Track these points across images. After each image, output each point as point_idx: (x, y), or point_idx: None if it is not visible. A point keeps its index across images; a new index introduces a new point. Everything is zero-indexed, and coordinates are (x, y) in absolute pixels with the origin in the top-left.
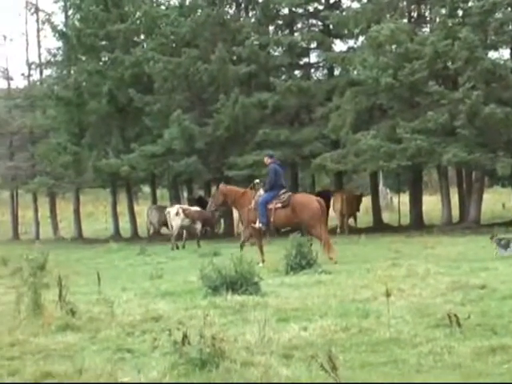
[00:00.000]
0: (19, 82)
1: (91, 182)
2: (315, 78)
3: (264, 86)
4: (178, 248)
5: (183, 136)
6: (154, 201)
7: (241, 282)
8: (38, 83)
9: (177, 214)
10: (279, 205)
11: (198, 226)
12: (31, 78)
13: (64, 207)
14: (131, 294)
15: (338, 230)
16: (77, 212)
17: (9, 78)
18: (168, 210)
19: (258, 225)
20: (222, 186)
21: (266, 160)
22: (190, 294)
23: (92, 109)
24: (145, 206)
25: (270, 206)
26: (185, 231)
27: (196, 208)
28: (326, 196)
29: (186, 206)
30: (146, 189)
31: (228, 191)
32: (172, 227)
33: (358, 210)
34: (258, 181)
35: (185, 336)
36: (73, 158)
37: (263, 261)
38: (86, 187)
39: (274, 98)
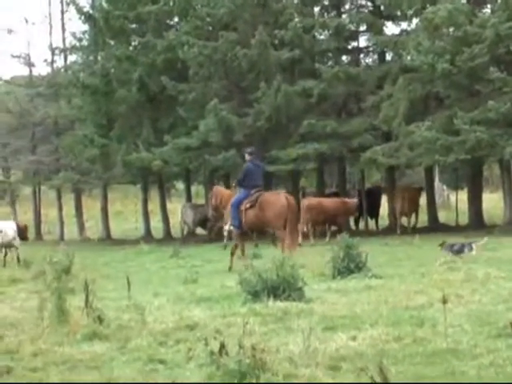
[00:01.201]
0: (42, 69)
1: (120, 178)
2: (365, 63)
3: (309, 72)
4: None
5: (220, 127)
6: (189, 198)
7: (283, 287)
8: (63, 70)
9: (190, 208)
10: (248, 205)
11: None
12: (55, 65)
13: (90, 205)
14: (163, 299)
15: (398, 230)
16: (104, 210)
17: (31, 65)
18: (181, 207)
19: (228, 227)
20: (214, 187)
21: (246, 157)
22: (228, 299)
23: (121, 98)
24: (178, 204)
25: (242, 207)
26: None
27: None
28: (376, 193)
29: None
30: (180, 185)
31: (217, 192)
32: (185, 223)
33: (419, 206)
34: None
35: (222, 346)
36: (100, 151)
37: (247, 264)
38: (115, 183)
39: (319, 85)
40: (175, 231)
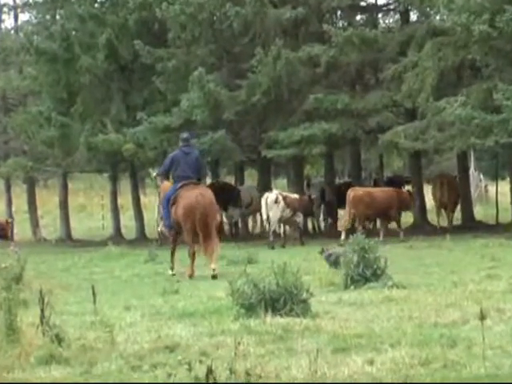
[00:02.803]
0: None
1: (83, 165)
2: (384, 25)
3: (315, 36)
4: (273, 248)
5: (207, 103)
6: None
7: (284, 299)
8: (12, 32)
9: (276, 201)
10: (172, 201)
11: (300, 217)
12: (2, 25)
13: (47, 198)
14: (137, 314)
15: (438, 226)
16: (64, 205)
17: None
18: (265, 195)
19: (160, 228)
20: (160, 179)
21: (180, 142)
22: (217, 314)
23: (85, 66)
24: (155, 198)
25: (170, 204)
26: (283, 225)
27: (295, 195)
28: (398, 184)
29: (285, 193)
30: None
31: (165, 188)
32: (268, 219)
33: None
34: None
35: (209, 371)
36: (59, 132)
37: (174, 269)
38: (77, 171)
39: (328, 52)
40: (151, 230)
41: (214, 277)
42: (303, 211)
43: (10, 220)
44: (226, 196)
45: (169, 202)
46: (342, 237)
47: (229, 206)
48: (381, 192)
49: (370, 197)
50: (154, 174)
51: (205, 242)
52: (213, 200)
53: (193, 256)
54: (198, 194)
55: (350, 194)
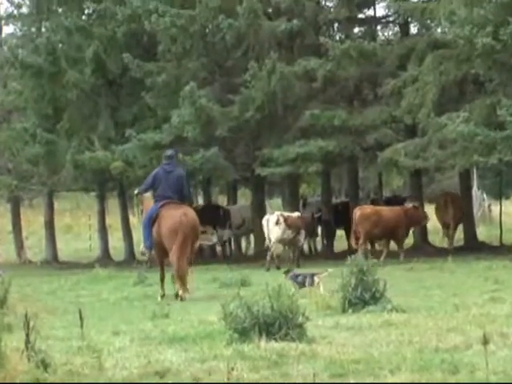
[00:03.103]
0: None
1: (70, 184)
2: (383, 38)
3: (312, 49)
4: (279, 268)
5: (198, 119)
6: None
7: (279, 324)
8: None
9: (277, 222)
10: (153, 220)
11: (302, 236)
12: None
13: (32, 218)
14: (126, 339)
15: (447, 243)
16: (50, 225)
17: None
18: (266, 217)
19: (141, 249)
20: (145, 198)
21: (163, 160)
22: (209, 339)
23: (71, 81)
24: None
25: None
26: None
27: (297, 213)
28: (397, 204)
29: (286, 213)
30: (147, 194)
31: (148, 206)
32: (269, 240)
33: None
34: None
35: None
36: (45, 149)
37: (162, 295)
38: (63, 190)
39: (325, 66)
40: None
41: (179, 298)
42: (306, 230)
43: None
44: (214, 217)
45: (150, 221)
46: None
47: (217, 227)
48: (389, 211)
49: (378, 215)
50: (136, 191)
51: (180, 262)
52: (196, 221)
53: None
54: (182, 214)
55: (357, 212)
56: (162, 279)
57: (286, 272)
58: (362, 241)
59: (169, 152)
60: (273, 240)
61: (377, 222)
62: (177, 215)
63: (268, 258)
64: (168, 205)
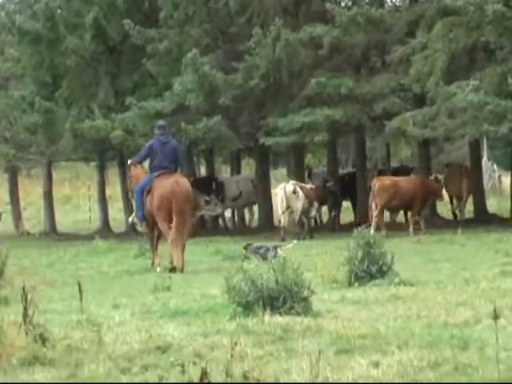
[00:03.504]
0: None
1: (69, 153)
2: (391, 4)
3: (318, 15)
4: (283, 240)
5: (201, 87)
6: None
7: (284, 298)
8: None
9: (294, 192)
10: (147, 191)
11: (315, 208)
12: None
13: (30, 189)
14: (127, 313)
15: (459, 216)
16: (48, 196)
17: None
18: (280, 186)
19: (131, 219)
20: (133, 168)
21: (155, 131)
22: (211, 313)
23: (70, 48)
24: None
25: (144, 194)
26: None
27: (309, 185)
28: (404, 175)
29: (300, 183)
30: (147, 163)
31: (136, 175)
32: (284, 212)
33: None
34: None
35: (204, 373)
36: (43, 117)
37: (156, 264)
38: (62, 160)
39: (331, 32)
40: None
41: (172, 270)
42: (318, 201)
43: (1, 211)
44: (206, 189)
45: (143, 192)
46: (372, 230)
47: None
48: (406, 182)
49: (396, 187)
50: (129, 162)
51: (177, 230)
52: (188, 188)
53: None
54: (174, 183)
55: (376, 183)
56: (155, 250)
57: (247, 246)
58: (378, 212)
59: (161, 122)
60: (296, 209)
61: (395, 193)
62: (168, 184)
63: (297, 229)
64: (162, 175)
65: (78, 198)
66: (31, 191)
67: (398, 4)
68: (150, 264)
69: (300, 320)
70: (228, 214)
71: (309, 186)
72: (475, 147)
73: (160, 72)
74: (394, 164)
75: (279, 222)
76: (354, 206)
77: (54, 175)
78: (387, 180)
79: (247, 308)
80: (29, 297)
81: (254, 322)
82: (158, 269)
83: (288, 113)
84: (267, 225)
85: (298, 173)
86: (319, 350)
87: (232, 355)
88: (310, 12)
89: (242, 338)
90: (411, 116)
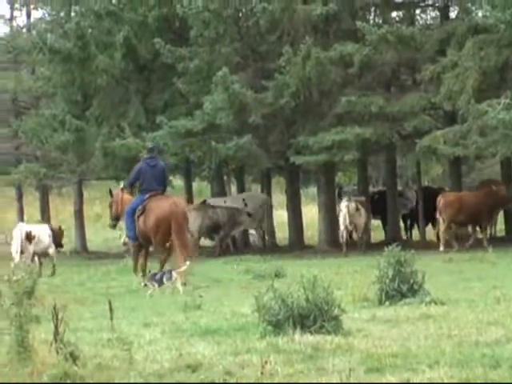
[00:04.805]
0: None
1: (99, 172)
2: (422, 22)
3: (348, 34)
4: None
5: (231, 105)
6: (190, 198)
7: (314, 316)
8: (25, 30)
9: (357, 209)
10: (139, 212)
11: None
12: (14, 23)
13: (61, 207)
14: (157, 331)
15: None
16: (79, 214)
17: None
18: (344, 204)
19: (124, 239)
20: (115, 192)
21: (145, 154)
22: (242, 332)
23: (101, 66)
24: None
25: (135, 216)
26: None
27: (362, 197)
28: (434, 194)
29: (359, 198)
30: (178, 181)
31: (119, 199)
32: (347, 228)
33: None
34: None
35: None
36: (74, 136)
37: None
38: (93, 179)
39: (362, 51)
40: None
41: (183, 285)
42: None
43: (62, 228)
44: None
45: (134, 213)
46: (442, 248)
47: None
48: (473, 196)
49: (461, 202)
50: (121, 185)
51: (183, 247)
52: (185, 208)
53: (162, 266)
54: (172, 204)
55: (441, 199)
56: (144, 270)
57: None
58: (445, 228)
59: (150, 145)
60: (358, 225)
61: (460, 208)
62: (166, 205)
63: (343, 241)
64: (155, 196)
65: (109, 216)
66: (62, 210)
67: (428, 22)
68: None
69: (330, 339)
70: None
71: (362, 199)
72: (507, 165)
73: (190, 90)
74: (426, 183)
75: (341, 237)
76: (384, 224)
77: (85, 194)
78: (451, 195)
79: (277, 327)
80: (60, 315)
81: (285, 341)
82: (142, 283)
83: (318, 131)
84: (297, 243)
85: (329, 191)
86: (349, 369)
87: (262, 373)
88: (340, 30)
89: (272, 356)
90: (442, 134)
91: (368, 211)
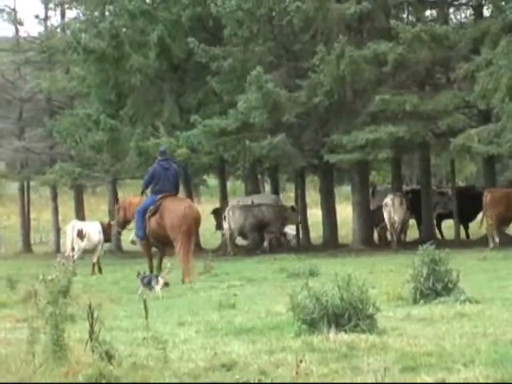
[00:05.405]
0: (32, 29)
1: (134, 171)
2: (455, 21)
3: (382, 32)
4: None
5: (265, 104)
6: (224, 197)
7: (349, 315)
8: (59, 29)
9: (401, 203)
10: (152, 212)
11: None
12: (49, 23)
13: (95, 206)
14: (192, 330)
15: None
16: (113, 214)
17: (17, 23)
18: (390, 197)
19: (132, 237)
20: (121, 200)
21: (158, 156)
22: (276, 330)
23: (135, 66)
24: (210, 206)
25: (146, 215)
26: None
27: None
28: (473, 195)
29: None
30: (212, 180)
31: (126, 204)
32: (391, 223)
33: None
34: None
35: None
36: (108, 136)
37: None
38: (127, 178)
39: (395, 49)
40: (206, 241)
41: (183, 282)
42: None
43: (111, 222)
44: None
45: (145, 212)
46: (491, 244)
47: None
48: None
49: (508, 198)
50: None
51: (186, 253)
52: (199, 213)
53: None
54: (187, 207)
55: (488, 195)
56: (151, 269)
57: (138, 274)
58: (494, 224)
59: (162, 148)
60: (397, 220)
61: (508, 204)
62: (181, 208)
63: (394, 238)
64: (169, 197)
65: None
66: (96, 209)
67: (462, 21)
68: (215, 281)
69: (365, 337)
70: (292, 232)
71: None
72: None
73: (224, 90)
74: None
75: (389, 233)
76: (419, 222)
77: (119, 193)
78: (498, 192)
79: (312, 325)
80: (95, 314)
81: (319, 340)
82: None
83: (352, 130)
84: (331, 242)
85: (363, 190)
86: (384, 368)
87: (297, 373)
88: (374, 29)
89: (306, 355)
90: (476, 133)
91: (409, 208)
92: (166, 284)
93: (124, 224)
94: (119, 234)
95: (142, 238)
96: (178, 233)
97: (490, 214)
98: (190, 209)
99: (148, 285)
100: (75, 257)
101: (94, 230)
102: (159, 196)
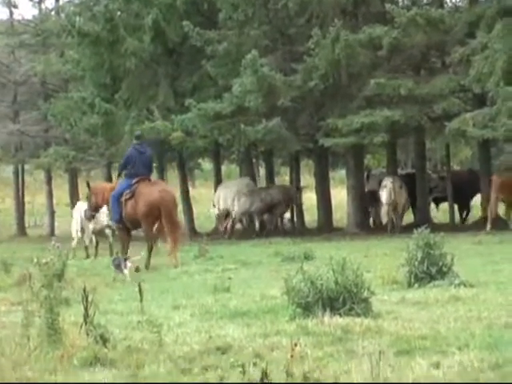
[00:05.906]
0: (26, 12)
1: None
2: (451, 4)
3: (377, 16)
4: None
5: (260, 88)
6: (218, 181)
7: (344, 298)
8: (53, 12)
9: (401, 186)
10: (128, 196)
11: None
12: (43, 6)
13: None
14: (187, 314)
15: None
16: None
17: (12, 6)
18: (389, 179)
19: (107, 222)
20: (93, 185)
21: (133, 141)
22: (271, 314)
23: (130, 49)
24: (205, 189)
25: (122, 199)
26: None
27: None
28: (471, 178)
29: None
30: (206, 164)
31: (98, 189)
32: (397, 206)
33: None
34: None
35: (264, 374)
36: (103, 119)
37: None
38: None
39: (391, 33)
40: (200, 224)
41: (176, 267)
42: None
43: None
44: None
45: (120, 196)
46: (489, 226)
47: None
48: None
49: None
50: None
51: (172, 234)
52: (174, 195)
53: (151, 249)
54: (162, 190)
55: (497, 180)
56: (126, 253)
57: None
58: (506, 208)
59: (138, 132)
60: (400, 203)
61: None
62: (156, 191)
63: (394, 220)
64: (143, 182)
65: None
66: None
67: (457, 4)
68: (209, 265)
69: (360, 321)
70: (287, 215)
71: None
72: None
73: (219, 73)
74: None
75: (386, 214)
76: (414, 206)
77: (115, 177)
78: (507, 176)
79: (307, 309)
80: (89, 298)
81: (314, 323)
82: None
83: (347, 114)
84: (326, 225)
85: (358, 174)
86: (379, 351)
87: (292, 356)
88: (369, 13)
89: (301, 338)
90: (471, 117)
91: (406, 191)
92: (137, 269)
93: (96, 209)
94: (92, 217)
95: (118, 222)
96: (149, 218)
97: (500, 198)
98: (164, 193)
99: (117, 268)
100: (87, 242)
101: (101, 212)
102: (134, 180)
